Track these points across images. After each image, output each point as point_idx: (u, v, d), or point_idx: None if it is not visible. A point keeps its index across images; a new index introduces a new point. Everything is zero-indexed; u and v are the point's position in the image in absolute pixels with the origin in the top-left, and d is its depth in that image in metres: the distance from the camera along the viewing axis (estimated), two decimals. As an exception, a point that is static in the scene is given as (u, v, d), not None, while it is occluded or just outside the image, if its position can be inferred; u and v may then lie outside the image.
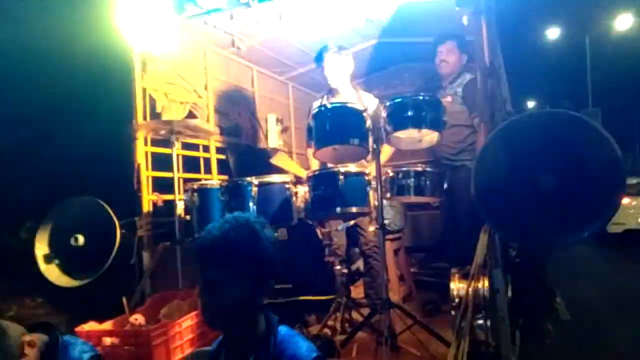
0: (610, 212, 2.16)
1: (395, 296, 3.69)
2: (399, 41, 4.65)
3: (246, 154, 4.60)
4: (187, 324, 2.79)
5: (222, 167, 4.35)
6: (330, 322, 3.13)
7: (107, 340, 2.53)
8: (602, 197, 2.15)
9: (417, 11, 3.77)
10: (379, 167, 2.78)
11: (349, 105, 2.83)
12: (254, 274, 1.32)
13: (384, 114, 2.71)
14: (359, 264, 3.78)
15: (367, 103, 3.31)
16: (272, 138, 5.03)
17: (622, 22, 18.30)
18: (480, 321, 2.49)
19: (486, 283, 2.47)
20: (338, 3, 3.64)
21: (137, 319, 2.79)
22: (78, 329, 2.57)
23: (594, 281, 6.92)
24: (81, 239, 3.31)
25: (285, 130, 5.29)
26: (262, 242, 1.33)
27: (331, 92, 3.57)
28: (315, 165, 3.56)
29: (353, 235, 3.49)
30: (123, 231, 3.35)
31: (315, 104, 3.41)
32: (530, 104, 22.85)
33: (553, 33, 20.64)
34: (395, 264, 3.96)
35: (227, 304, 1.30)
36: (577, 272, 7.29)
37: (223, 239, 1.30)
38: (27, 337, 1.73)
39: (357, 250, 3.62)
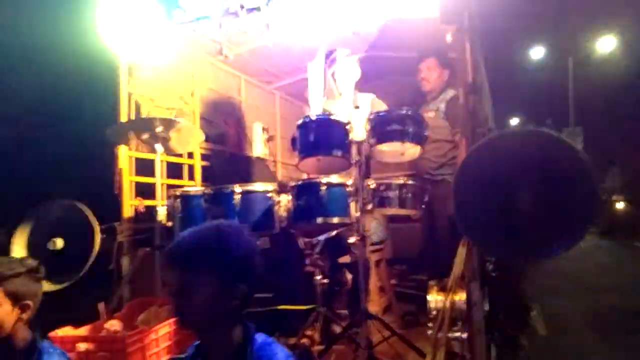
0: (583, 231, 2.21)
1: (375, 307, 3.71)
2: (385, 55, 4.71)
3: (231, 162, 4.61)
4: (164, 331, 2.77)
5: (207, 173, 4.35)
6: (309, 332, 3.13)
7: (82, 346, 2.50)
8: (577, 216, 2.20)
9: (404, 26, 3.84)
10: (361, 179, 2.82)
11: (332, 117, 2.87)
12: (220, 277, 1.32)
13: (367, 126, 2.75)
14: (345, 275, 3.78)
15: (363, 101, 3.34)
16: (258, 147, 5.05)
17: (605, 44, 18.76)
18: (457, 334, 2.52)
19: (463, 296, 2.50)
20: (326, 16, 3.69)
21: (113, 324, 2.76)
22: (52, 334, 2.54)
23: (573, 296, 7.01)
24: (60, 243, 3.27)
25: (270, 139, 5.31)
26: (229, 245, 1.34)
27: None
28: None
29: (335, 246, 3.50)
30: (103, 236, 3.32)
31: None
32: (514, 121, 23.23)
33: (537, 53, 21.09)
34: (376, 275, 3.98)
35: (195, 307, 1.32)
36: (557, 287, 7.38)
37: (189, 242, 1.33)
38: (30, 302, 1.75)
39: (339, 261, 3.64)
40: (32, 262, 1.82)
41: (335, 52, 3.46)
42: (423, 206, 3.01)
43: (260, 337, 1.43)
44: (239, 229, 1.40)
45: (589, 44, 18.97)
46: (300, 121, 2.87)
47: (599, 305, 6.55)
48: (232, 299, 1.34)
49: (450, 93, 3.65)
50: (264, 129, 5.15)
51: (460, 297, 2.53)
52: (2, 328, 1.70)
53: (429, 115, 3.55)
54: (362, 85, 5.31)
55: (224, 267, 1.33)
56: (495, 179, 2.28)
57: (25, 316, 1.75)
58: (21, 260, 1.82)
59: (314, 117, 2.82)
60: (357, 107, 2.87)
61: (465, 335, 2.47)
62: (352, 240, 2.95)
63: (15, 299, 1.72)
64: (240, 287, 1.35)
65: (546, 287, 7.19)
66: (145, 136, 3.14)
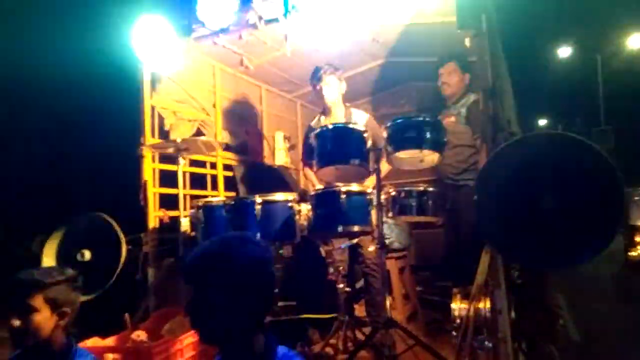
0: (611, 234, 2.14)
1: (399, 315, 3.67)
2: (405, 61, 4.70)
3: (253, 171, 4.65)
4: (188, 341, 2.79)
5: (230, 183, 4.41)
6: (332, 341, 3.12)
7: (109, 357, 2.55)
8: (604, 220, 2.14)
9: (423, 32, 3.82)
10: (379, 187, 2.80)
11: (349, 126, 2.87)
12: (228, 289, 1.30)
13: (385, 134, 2.73)
14: (362, 282, 3.76)
15: (358, 119, 3.45)
16: (280, 155, 5.08)
17: (634, 41, 18.26)
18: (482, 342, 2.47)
19: (488, 304, 2.45)
20: (345, 24, 3.70)
21: (139, 335, 2.81)
22: (81, 344, 2.59)
23: (610, 303, 6.79)
24: (87, 254, 3.35)
25: (292, 147, 5.33)
26: (234, 257, 1.31)
27: (325, 111, 3.65)
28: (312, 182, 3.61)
29: (354, 253, 3.50)
30: (129, 247, 3.39)
31: (313, 124, 3.58)
32: (542, 122, 22.79)
33: (565, 52, 20.66)
34: (400, 282, 3.94)
35: (208, 322, 1.31)
36: (593, 294, 7.16)
37: (195, 258, 1.32)
38: (68, 310, 1.80)
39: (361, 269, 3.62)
40: (71, 272, 1.90)
41: (322, 69, 3.51)
42: (444, 212, 2.97)
43: (282, 350, 1.40)
44: (245, 239, 1.37)
45: (617, 42, 18.49)
46: (317, 130, 2.88)
47: (636, 309, 6.33)
48: (243, 310, 1.31)
49: (471, 97, 3.60)
50: (285, 138, 5.18)
51: (485, 304, 2.48)
52: (40, 333, 1.77)
53: (449, 120, 3.51)
54: (382, 90, 5.36)
55: (231, 278, 1.30)
56: (518, 184, 2.24)
57: (62, 323, 1.82)
58: (61, 269, 1.88)
59: (330, 126, 2.82)
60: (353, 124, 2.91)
61: (490, 344, 2.42)
62: (371, 248, 2.94)
63: (55, 306, 1.80)
64: (251, 297, 1.32)
65: (581, 290, 6.99)
66: (169, 149, 3.22)
